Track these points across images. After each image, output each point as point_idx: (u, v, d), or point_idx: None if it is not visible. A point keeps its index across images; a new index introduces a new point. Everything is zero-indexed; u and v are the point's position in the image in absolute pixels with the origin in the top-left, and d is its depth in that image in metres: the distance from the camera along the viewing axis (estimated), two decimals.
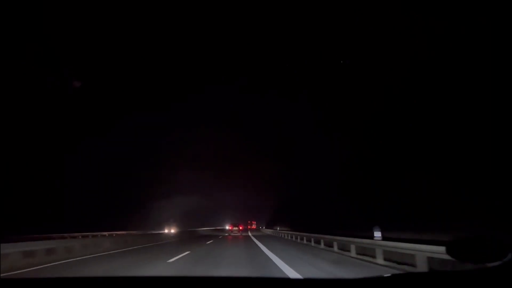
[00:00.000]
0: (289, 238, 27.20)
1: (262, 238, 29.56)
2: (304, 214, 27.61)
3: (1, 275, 7.63)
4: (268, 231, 53.83)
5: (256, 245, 19.56)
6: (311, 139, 22.75)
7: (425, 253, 7.24)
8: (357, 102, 14.13)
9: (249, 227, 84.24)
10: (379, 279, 1.42)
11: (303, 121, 21.78)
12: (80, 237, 22.81)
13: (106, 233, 26.48)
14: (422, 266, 7.32)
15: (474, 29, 6.41)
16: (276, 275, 7.62)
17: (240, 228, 49.08)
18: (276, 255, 12.13)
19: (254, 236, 36.32)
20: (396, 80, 10.07)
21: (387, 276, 1.40)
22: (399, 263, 8.99)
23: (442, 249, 6.17)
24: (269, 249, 15.65)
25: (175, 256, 11.99)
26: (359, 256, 11.32)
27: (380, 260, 9.68)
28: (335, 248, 13.89)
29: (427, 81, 8.76)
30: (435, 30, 7.54)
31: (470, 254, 1.29)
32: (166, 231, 43.98)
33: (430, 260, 7.16)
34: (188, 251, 14.55)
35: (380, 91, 11.65)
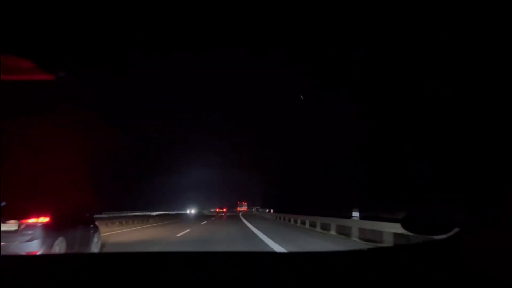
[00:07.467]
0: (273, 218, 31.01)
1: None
2: (294, 196, 28.60)
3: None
4: (256, 212, 59.25)
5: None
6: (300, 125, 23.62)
7: (390, 229, 7.66)
8: (353, 99, 13.95)
9: (238, 208, 71.79)
10: (352, 252, 1.53)
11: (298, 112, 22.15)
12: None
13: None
14: (388, 241, 7.81)
15: (474, 29, 6.75)
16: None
17: (224, 210, 64.18)
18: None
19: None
20: (394, 80, 10.32)
21: (363, 249, 1.53)
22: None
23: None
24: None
25: None
26: (310, 227, 15.75)
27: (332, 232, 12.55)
28: (291, 221, 20.30)
29: (426, 81, 8.86)
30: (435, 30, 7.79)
31: (421, 228, 1.43)
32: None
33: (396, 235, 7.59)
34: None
35: (378, 90, 11.80)
